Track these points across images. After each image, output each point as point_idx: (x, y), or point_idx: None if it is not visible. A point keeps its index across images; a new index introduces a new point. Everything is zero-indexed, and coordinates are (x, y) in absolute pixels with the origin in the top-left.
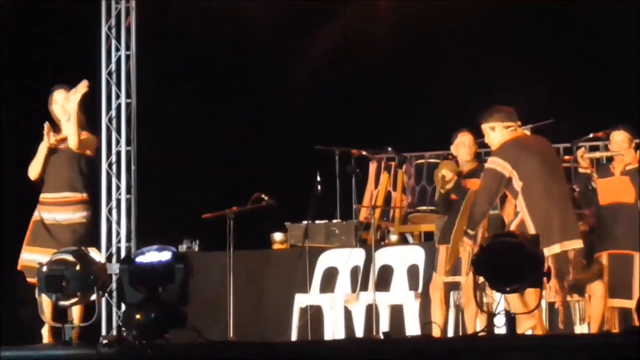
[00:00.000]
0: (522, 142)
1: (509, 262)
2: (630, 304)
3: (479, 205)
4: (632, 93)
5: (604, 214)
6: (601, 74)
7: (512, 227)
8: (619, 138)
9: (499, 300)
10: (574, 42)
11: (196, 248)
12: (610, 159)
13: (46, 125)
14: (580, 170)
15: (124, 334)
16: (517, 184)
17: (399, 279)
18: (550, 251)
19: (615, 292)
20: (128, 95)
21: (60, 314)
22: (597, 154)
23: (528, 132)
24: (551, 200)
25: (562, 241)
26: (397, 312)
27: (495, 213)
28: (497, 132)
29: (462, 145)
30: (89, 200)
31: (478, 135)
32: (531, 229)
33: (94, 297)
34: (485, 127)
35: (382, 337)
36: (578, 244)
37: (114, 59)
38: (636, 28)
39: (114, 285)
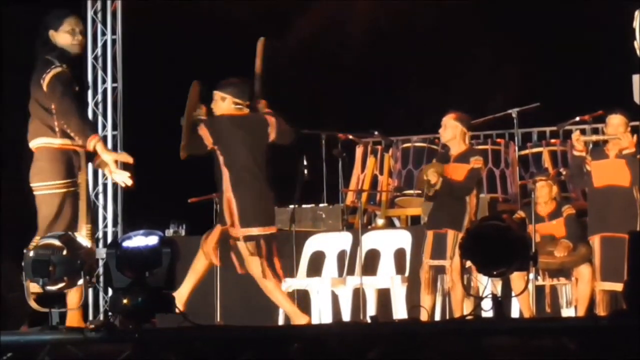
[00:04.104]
0: (233, 120)
1: (495, 246)
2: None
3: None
4: (621, 76)
5: (597, 196)
6: (588, 57)
7: None
8: (616, 121)
9: (486, 284)
10: (561, 25)
11: (183, 232)
12: (601, 141)
13: None
14: (575, 153)
15: (111, 318)
16: (220, 158)
17: (386, 263)
18: (248, 232)
19: (607, 275)
20: (114, 80)
21: (47, 299)
22: (593, 137)
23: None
24: (253, 182)
25: (261, 226)
26: (384, 296)
27: (483, 196)
28: (225, 103)
29: (445, 127)
30: None
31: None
32: (235, 211)
33: (80, 282)
34: (217, 94)
35: (369, 320)
36: (270, 230)
37: (100, 43)
38: (621, 9)
39: (100, 269)
